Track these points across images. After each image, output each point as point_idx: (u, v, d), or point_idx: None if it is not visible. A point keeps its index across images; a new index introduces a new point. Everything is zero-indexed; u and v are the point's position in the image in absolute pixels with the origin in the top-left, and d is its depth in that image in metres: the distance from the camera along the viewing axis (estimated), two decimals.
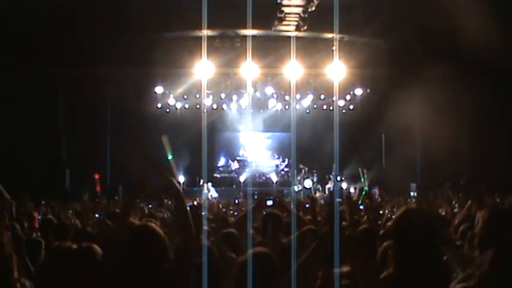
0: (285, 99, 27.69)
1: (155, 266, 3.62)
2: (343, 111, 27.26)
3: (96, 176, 14.54)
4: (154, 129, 24.39)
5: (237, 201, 21.06)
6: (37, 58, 19.63)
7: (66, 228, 6.91)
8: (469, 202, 7.23)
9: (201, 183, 24.62)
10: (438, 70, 19.26)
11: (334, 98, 25.06)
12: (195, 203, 19.15)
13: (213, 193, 24.42)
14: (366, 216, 7.92)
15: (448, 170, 21.18)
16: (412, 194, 20.72)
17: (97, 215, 11.07)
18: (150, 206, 17.25)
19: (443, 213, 9.18)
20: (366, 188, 13.54)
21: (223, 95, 27.08)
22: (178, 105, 27.48)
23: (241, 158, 28.08)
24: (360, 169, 18.83)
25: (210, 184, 24.73)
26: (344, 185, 24.19)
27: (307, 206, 9.68)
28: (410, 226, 3.49)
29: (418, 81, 20.88)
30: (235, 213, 13.75)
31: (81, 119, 22.32)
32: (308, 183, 27.06)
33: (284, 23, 22.21)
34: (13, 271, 1.81)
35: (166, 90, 26.91)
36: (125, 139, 23.68)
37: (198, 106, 26.85)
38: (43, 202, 17.82)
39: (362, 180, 17.69)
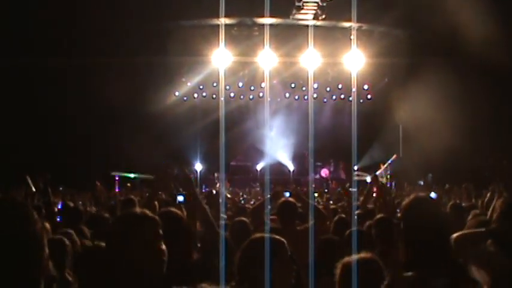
0: (302, 88, 27.60)
1: (183, 255, 3.58)
2: (361, 100, 27.12)
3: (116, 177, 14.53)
4: (171, 117, 24.47)
5: (255, 186, 21.06)
6: (53, 48, 19.70)
7: (80, 214, 6.94)
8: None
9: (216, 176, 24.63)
10: (458, 61, 19.11)
11: (352, 88, 24.93)
12: (214, 191, 19.26)
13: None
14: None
15: (465, 161, 21.02)
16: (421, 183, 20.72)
17: (113, 202, 11.19)
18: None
19: (463, 204, 9.12)
20: (382, 181, 13.52)
21: (240, 84, 27.07)
22: (196, 93, 27.51)
23: (258, 147, 28.06)
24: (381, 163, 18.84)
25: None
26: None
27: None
28: (418, 214, 3.47)
29: (437, 71, 20.70)
30: (242, 201, 13.80)
31: (97, 107, 22.37)
32: (325, 172, 27.04)
33: (302, 11, 22.09)
34: (44, 247, 1.83)
35: (184, 78, 26.94)
36: (142, 127, 23.74)
37: (214, 96, 26.89)
38: (61, 188, 18.00)
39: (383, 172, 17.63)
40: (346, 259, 3.36)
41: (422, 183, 20.00)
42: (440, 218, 3.55)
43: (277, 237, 3.26)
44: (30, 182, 8.53)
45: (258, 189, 21.77)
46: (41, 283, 1.80)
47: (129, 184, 20.95)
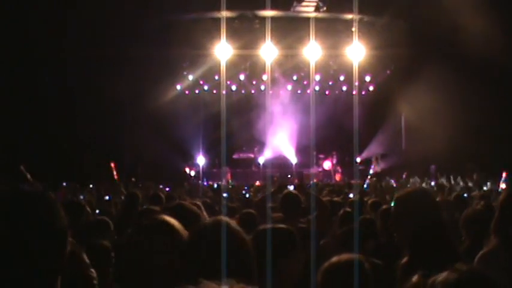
0: (304, 81, 27.59)
1: None
2: (363, 92, 27.12)
3: (112, 165, 14.45)
4: (173, 111, 24.47)
5: (257, 182, 21.16)
6: (54, 40, 19.63)
7: (82, 209, 6.73)
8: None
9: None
10: (459, 52, 19.06)
11: (354, 80, 24.92)
12: (215, 185, 19.33)
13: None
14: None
15: (468, 151, 21.01)
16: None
17: (107, 197, 11.14)
18: (167, 189, 17.58)
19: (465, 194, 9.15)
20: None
21: (242, 77, 27.05)
22: (198, 87, 27.52)
23: (260, 140, 28.03)
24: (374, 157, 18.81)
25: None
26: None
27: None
28: (407, 210, 3.43)
29: (439, 62, 20.66)
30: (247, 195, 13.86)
31: (100, 100, 22.35)
32: (327, 164, 27.03)
33: (303, 3, 22.07)
34: (67, 244, 1.83)
35: (185, 72, 26.93)
36: (144, 121, 23.76)
37: (214, 91, 26.91)
38: (64, 184, 18.01)
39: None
40: (328, 262, 3.24)
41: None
42: (433, 211, 3.50)
43: (285, 226, 3.22)
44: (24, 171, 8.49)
45: (259, 183, 21.75)
46: (59, 278, 1.81)
47: (134, 179, 21.01)
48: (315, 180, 21.01)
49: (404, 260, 3.38)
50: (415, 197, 3.53)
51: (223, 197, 11.18)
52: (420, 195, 3.59)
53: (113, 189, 12.81)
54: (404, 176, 22.12)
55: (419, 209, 3.38)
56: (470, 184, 16.95)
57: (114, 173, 14.61)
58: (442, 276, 1.78)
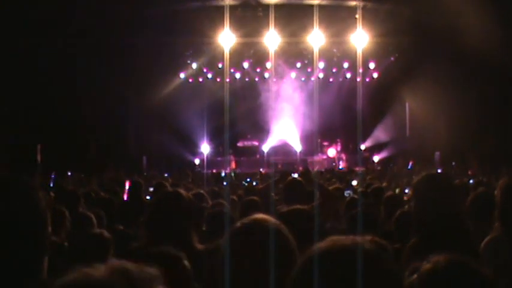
0: (308, 68, 27.54)
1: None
2: (367, 79, 27.05)
3: (127, 184, 14.40)
4: (177, 98, 24.47)
5: (262, 170, 21.23)
6: (58, 27, 19.60)
7: (77, 197, 6.63)
8: None
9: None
10: (463, 39, 18.96)
11: (358, 67, 24.85)
12: (223, 173, 19.36)
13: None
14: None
15: (471, 139, 20.97)
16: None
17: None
18: (166, 175, 17.78)
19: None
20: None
21: (246, 65, 27.02)
22: (201, 75, 27.50)
23: (265, 128, 28.03)
24: None
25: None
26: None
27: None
28: (428, 192, 3.43)
29: (443, 49, 20.58)
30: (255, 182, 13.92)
31: (103, 89, 22.33)
32: (332, 152, 27.01)
33: None
34: (47, 226, 1.86)
35: (189, 60, 26.91)
36: (148, 108, 23.76)
37: (218, 79, 26.88)
38: (69, 174, 18.09)
39: None
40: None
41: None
42: (452, 192, 3.50)
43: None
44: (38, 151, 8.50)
45: (263, 171, 21.79)
46: (44, 261, 1.83)
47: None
48: (322, 169, 20.98)
49: (412, 241, 3.39)
50: (435, 180, 3.53)
51: (224, 185, 11.22)
52: (441, 179, 3.60)
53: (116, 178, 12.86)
54: (410, 164, 22.12)
55: (440, 193, 3.38)
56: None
57: (126, 193, 14.59)
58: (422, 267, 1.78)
